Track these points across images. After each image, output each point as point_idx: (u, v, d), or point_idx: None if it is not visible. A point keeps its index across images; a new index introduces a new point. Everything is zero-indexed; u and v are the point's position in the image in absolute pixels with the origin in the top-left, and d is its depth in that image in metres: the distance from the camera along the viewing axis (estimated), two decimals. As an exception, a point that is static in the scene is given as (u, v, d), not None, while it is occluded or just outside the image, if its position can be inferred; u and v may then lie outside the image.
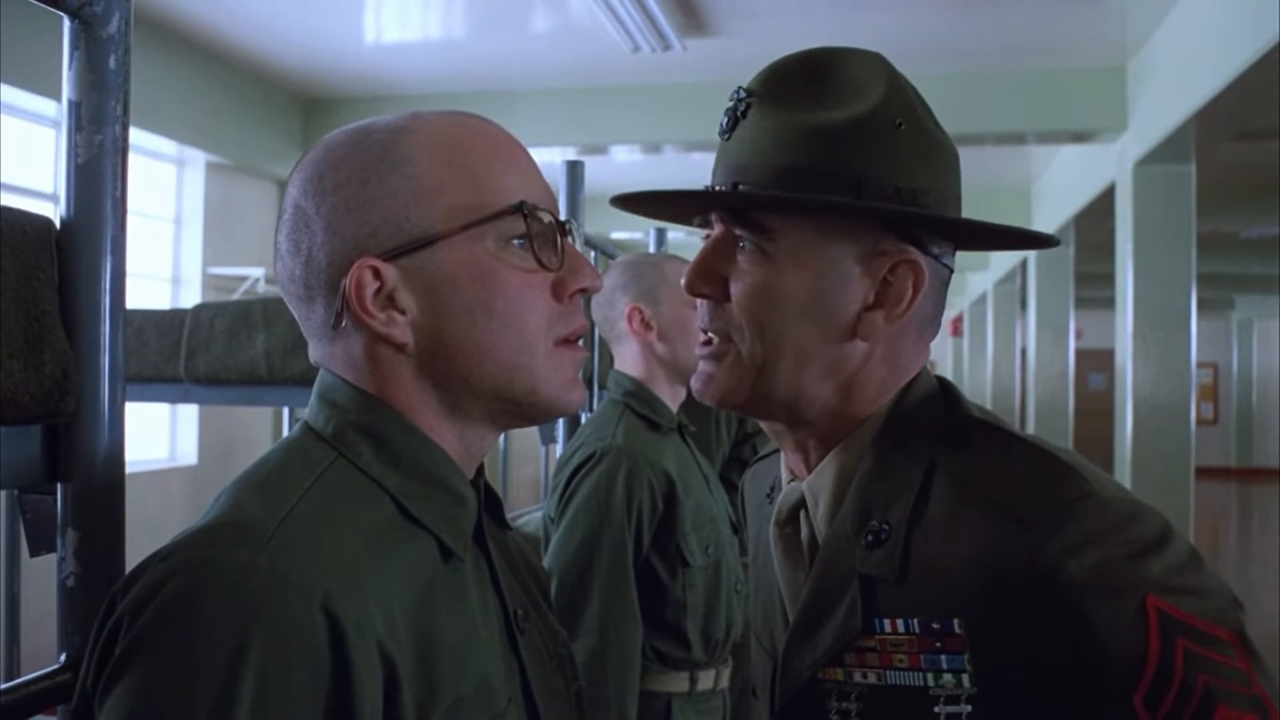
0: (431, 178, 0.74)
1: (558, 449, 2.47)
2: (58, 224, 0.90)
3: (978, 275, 11.79)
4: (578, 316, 0.80)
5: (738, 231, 0.81)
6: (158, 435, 5.94)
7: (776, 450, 0.96)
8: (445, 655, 0.70)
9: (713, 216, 0.84)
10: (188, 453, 6.05)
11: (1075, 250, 7.96)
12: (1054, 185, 7.85)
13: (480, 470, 0.82)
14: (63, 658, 0.88)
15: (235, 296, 6.03)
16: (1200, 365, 10.67)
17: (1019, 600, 0.68)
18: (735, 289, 0.81)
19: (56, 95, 0.91)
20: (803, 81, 0.80)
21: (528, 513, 2.93)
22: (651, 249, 3.46)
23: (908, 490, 0.77)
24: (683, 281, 0.84)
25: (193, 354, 2.31)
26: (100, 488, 0.90)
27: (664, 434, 1.82)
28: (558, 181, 2.47)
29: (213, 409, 5.70)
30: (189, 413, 6.00)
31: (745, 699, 2.11)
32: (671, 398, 1.87)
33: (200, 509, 0.73)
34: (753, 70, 0.85)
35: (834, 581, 0.79)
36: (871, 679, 0.76)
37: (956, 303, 13.36)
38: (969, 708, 0.71)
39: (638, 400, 1.82)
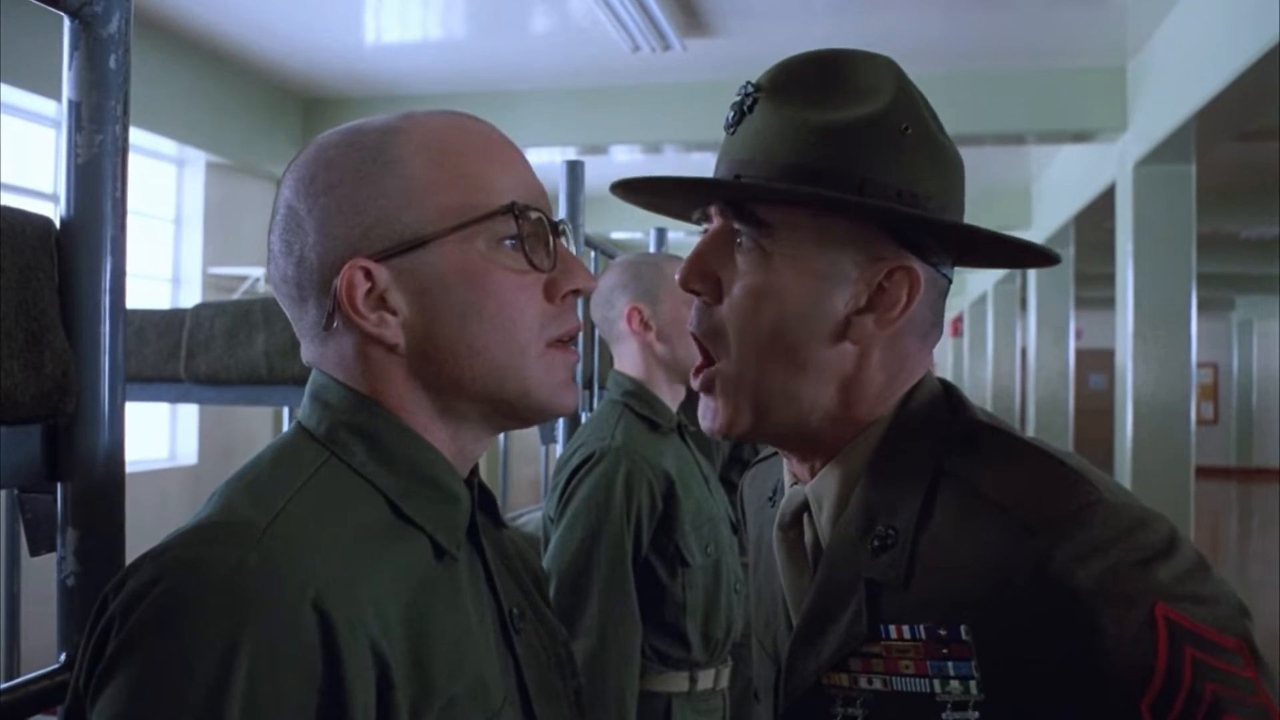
0: (423, 178, 0.74)
1: (558, 449, 2.47)
2: (58, 224, 0.90)
3: (977, 275, 11.80)
4: (571, 318, 0.79)
5: (736, 225, 0.80)
6: (158, 435, 5.94)
7: (776, 451, 0.96)
8: (439, 654, 0.70)
9: (712, 210, 0.83)
10: (188, 453, 6.05)
11: (1075, 250, 7.96)
12: (1054, 185, 7.85)
13: (474, 469, 0.82)
14: (63, 658, 0.89)
15: (235, 296, 6.03)
16: (1200, 365, 10.67)
17: (1026, 607, 0.68)
18: (728, 291, 0.80)
19: (56, 95, 0.91)
20: (812, 80, 0.80)
21: (528, 513, 2.93)
22: (651, 249, 3.46)
23: (914, 495, 0.76)
24: (676, 276, 0.84)
25: (193, 354, 2.31)
26: (100, 487, 0.90)
27: (663, 434, 1.82)
28: (558, 181, 2.48)
29: (213, 409, 5.70)
30: (189, 413, 6.00)
31: (746, 699, 2.11)
32: (671, 398, 1.87)
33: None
34: (753, 70, 0.84)
35: (839, 586, 0.79)
36: (877, 685, 0.76)
37: (956, 303, 13.36)
38: (976, 714, 0.71)
39: (637, 400, 1.82)
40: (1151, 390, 5.21)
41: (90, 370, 0.90)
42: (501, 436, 3.59)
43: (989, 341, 11.34)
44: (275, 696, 0.60)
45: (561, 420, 2.52)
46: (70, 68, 0.89)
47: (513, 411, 0.78)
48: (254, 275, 6.09)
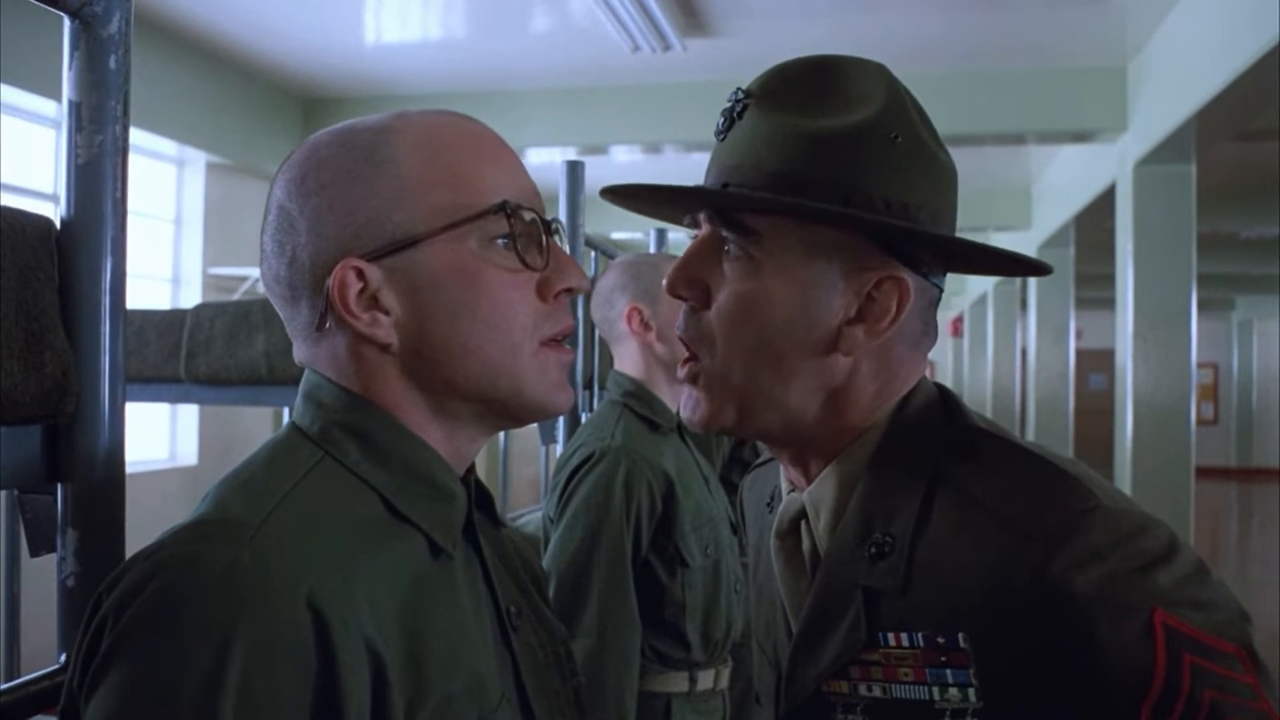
0: (415, 178, 0.74)
1: (558, 449, 2.47)
2: (58, 224, 0.90)
3: (978, 276, 11.79)
4: (564, 316, 0.79)
5: (724, 233, 0.80)
6: (158, 435, 5.95)
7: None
8: (434, 651, 0.70)
9: (701, 216, 0.83)
10: (188, 453, 6.05)
11: (1075, 250, 7.96)
12: (1054, 185, 7.85)
13: (471, 467, 0.82)
14: (63, 658, 0.89)
15: (235, 296, 6.03)
16: (1200, 365, 10.66)
17: (1025, 614, 0.68)
18: (716, 299, 0.80)
19: (56, 95, 0.91)
20: (802, 87, 0.79)
21: (528, 513, 2.93)
22: (651, 249, 3.46)
23: (910, 502, 0.76)
24: (664, 282, 0.83)
25: (193, 354, 2.31)
26: (100, 488, 0.90)
27: (663, 434, 1.82)
28: (557, 181, 2.47)
29: (213, 409, 5.70)
30: (189, 413, 6.00)
31: (746, 699, 2.11)
32: (671, 398, 1.87)
33: (200, 509, 0.72)
34: (752, 70, 0.84)
35: (837, 594, 0.78)
36: (876, 692, 0.75)
37: (956, 303, 13.36)
38: None
39: (637, 400, 1.82)
40: (1151, 390, 5.21)
41: (90, 370, 0.90)
42: (501, 436, 3.59)
43: (989, 342, 11.34)
44: (269, 693, 0.60)
45: (561, 420, 2.52)
46: (70, 68, 0.89)
47: (506, 410, 0.78)
48: (254, 276, 6.08)
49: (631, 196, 0.86)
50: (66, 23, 0.89)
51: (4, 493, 1.15)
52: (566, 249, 0.81)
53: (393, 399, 0.75)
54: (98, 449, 0.90)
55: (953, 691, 0.72)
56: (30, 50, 3.41)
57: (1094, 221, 6.95)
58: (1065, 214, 7.29)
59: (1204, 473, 9.06)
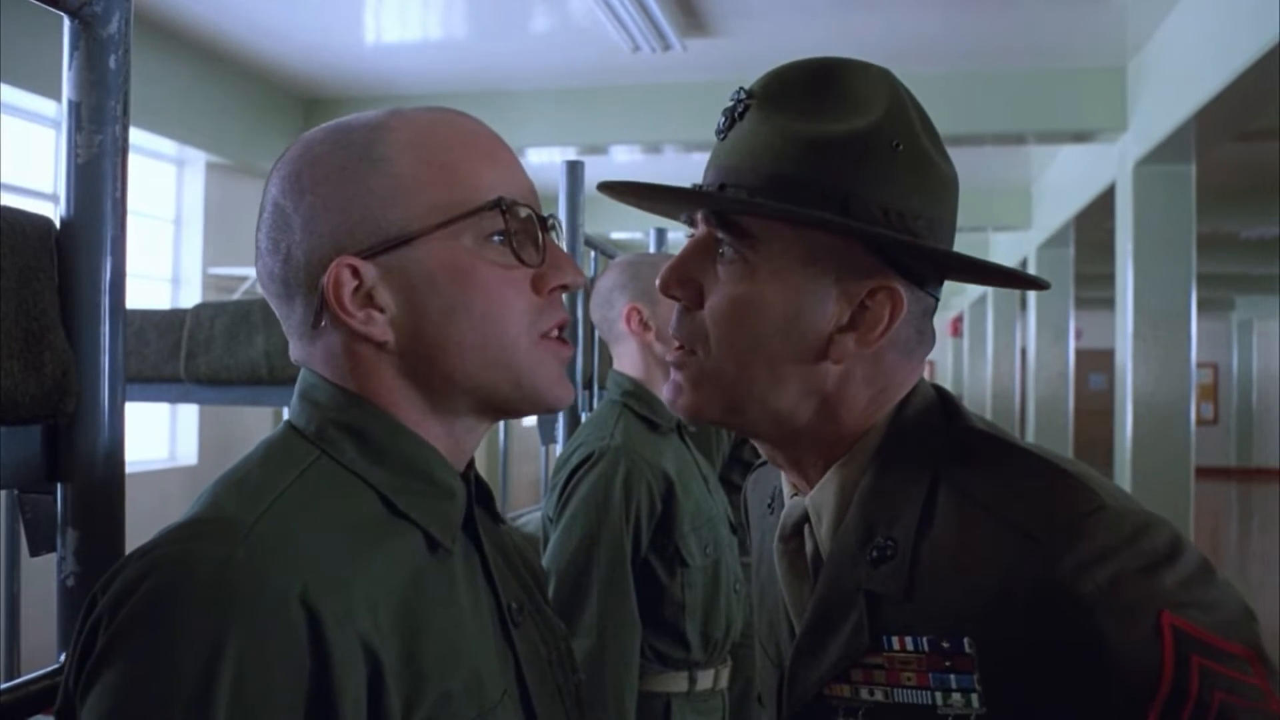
0: (409, 175, 0.74)
1: (558, 449, 2.47)
2: (58, 224, 0.90)
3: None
4: (559, 309, 0.79)
5: (719, 235, 0.79)
6: (158, 435, 5.94)
7: None
8: (432, 648, 0.70)
9: (697, 216, 0.82)
10: (188, 453, 6.05)
11: (1075, 250, 7.96)
12: (1054, 185, 7.85)
13: (471, 463, 0.82)
14: (62, 657, 0.89)
15: (235, 296, 6.03)
16: (1200, 365, 10.67)
17: (1030, 618, 0.67)
18: (709, 300, 0.80)
19: (56, 95, 0.91)
20: (804, 90, 0.78)
21: (528, 513, 2.93)
22: (651, 249, 3.46)
23: (912, 505, 0.75)
24: (657, 281, 0.83)
25: (193, 354, 2.31)
26: (100, 488, 0.90)
27: (663, 434, 1.82)
28: (557, 181, 2.48)
29: (213, 409, 5.70)
30: (189, 413, 6.00)
31: (746, 699, 2.11)
32: (671, 398, 1.86)
33: (201, 510, 0.72)
34: (752, 70, 0.84)
35: (839, 598, 0.78)
36: (879, 696, 0.75)
37: (956, 303, 13.36)
38: None
39: (636, 400, 1.82)
40: (1151, 390, 5.21)
41: (90, 370, 0.90)
42: (501, 436, 3.59)
43: (989, 342, 11.33)
44: (263, 691, 0.60)
45: (561, 419, 2.52)
46: (70, 68, 0.89)
47: (506, 404, 0.78)
48: (254, 276, 6.02)
49: (629, 192, 0.85)
50: (66, 22, 0.89)
51: (4, 493, 1.15)
52: (564, 246, 0.81)
53: (389, 396, 0.75)
54: (97, 449, 0.90)
55: (956, 696, 0.71)
56: (30, 50, 3.41)
57: (1094, 221, 6.95)
58: (1065, 214, 7.29)
59: (1204, 473, 9.06)
